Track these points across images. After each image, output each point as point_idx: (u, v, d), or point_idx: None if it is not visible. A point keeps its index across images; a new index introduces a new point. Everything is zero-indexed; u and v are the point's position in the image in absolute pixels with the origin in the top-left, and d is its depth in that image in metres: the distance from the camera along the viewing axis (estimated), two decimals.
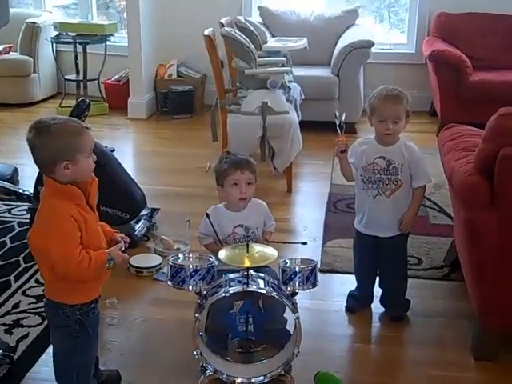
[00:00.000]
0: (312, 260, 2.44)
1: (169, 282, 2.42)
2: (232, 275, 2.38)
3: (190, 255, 2.49)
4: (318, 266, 2.47)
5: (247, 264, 2.32)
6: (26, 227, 3.50)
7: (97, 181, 2.20)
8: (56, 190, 2.04)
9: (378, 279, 2.89)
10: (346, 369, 2.61)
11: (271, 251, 2.41)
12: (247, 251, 2.35)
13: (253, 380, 2.39)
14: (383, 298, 2.90)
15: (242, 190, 2.51)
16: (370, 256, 2.81)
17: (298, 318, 2.32)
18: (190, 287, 2.36)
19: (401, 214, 2.71)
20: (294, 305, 2.37)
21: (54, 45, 6.18)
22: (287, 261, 2.44)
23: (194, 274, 2.35)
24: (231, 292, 2.32)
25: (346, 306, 2.94)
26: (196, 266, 2.36)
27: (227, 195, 2.56)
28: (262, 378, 2.39)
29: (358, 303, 2.93)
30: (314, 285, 2.41)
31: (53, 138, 1.98)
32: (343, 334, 2.82)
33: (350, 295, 2.95)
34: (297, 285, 2.38)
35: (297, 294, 2.40)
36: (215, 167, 2.60)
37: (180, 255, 2.47)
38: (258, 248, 2.44)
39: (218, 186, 2.58)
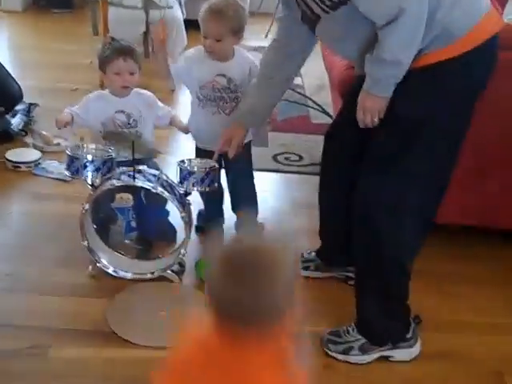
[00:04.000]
0: (212, 162, 2.40)
1: (65, 172, 2.39)
2: (124, 168, 2.38)
3: (91, 146, 2.43)
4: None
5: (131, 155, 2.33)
6: None
7: None
8: None
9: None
10: None
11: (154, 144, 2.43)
12: (132, 144, 2.34)
13: (140, 276, 2.43)
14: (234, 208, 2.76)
15: (125, 78, 2.45)
16: None
17: (183, 218, 2.33)
18: (84, 178, 2.34)
19: None
20: (184, 205, 2.39)
21: None
22: (185, 160, 2.43)
23: (88, 164, 2.33)
24: (117, 185, 2.32)
25: (195, 226, 2.72)
26: (91, 157, 2.34)
27: (110, 82, 2.49)
28: (149, 275, 2.42)
29: (206, 221, 2.78)
30: (211, 186, 2.40)
31: None
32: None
33: (199, 214, 2.82)
34: (191, 185, 2.38)
35: (190, 194, 2.41)
36: (98, 52, 2.51)
37: (80, 145, 2.42)
38: (142, 141, 2.44)
39: (101, 71, 2.51)
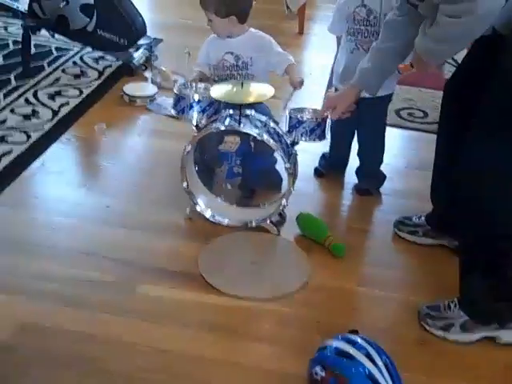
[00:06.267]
0: (326, 112, 2.28)
1: (172, 110, 2.37)
2: (231, 111, 2.29)
3: (201, 86, 2.38)
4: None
5: (240, 100, 2.24)
6: (19, 46, 3.37)
7: None
8: None
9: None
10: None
11: (267, 88, 2.30)
12: (241, 87, 2.26)
13: (237, 224, 2.36)
14: (358, 168, 2.69)
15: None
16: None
17: (288, 168, 2.24)
18: (190, 117, 2.30)
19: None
20: (290, 155, 2.28)
21: None
22: (297, 108, 2.32)
23: (194, 104, 2.28)
24: (221, 129, 2.24)
25: (315, 168, 2.72)
26: (198, 97, 2.28)
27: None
28: (247, 223, 2.35)
29: (328, 166, 2.72)
30: (320, 138, 2.30)
31: None
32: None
33: (323, 156, 2.74)
34: (299, 135, 2.27)
35: (297, 143, 2.31)
36: None
37: (189, 84, 2.37)
38: (253, 85, 2.33)
39: None
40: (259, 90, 2.31)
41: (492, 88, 1.76)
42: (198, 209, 2.37)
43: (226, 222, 2.36)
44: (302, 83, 2.40)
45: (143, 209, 2.44)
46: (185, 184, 2.34)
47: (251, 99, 2.28)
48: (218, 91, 2.27)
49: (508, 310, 1.95)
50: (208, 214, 2.37)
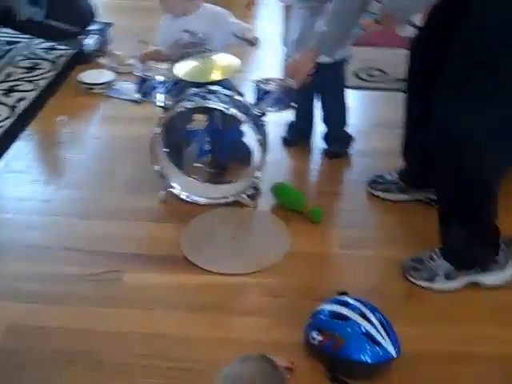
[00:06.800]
0: (289, 80, 2.27)
1: (135, 94, 2.34)
2: (196, 89, 2.27)
3: (163, 66, 2.37)
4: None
5: (207, 78, 2.23)
6: None
7: None
8: None
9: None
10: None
11: (233, 61, 2.29)
12: (206, 63, 2.24)
13: (214, 201, 2.36)
14: (325, 133, 2.71)
15: None
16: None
17: (258, 140, 2.23)
18: (155, 99, 2.27)
19: None
20: (259, 126, 2.27)
21: None
22: (262, 79, 2.30)
23: (158, 86, 2.26)
24: (188, 107, 2.22)
25: (283, 138, 2.75)
26: (162, 78, 2.26)
27: None
28: (223, 199, 2.35)
29: (296, 134, 2.75)
30: (288, 107, 2.31)
31: None
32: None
33: (289, 125, 2.75)
34: (267, 106, 2.27)
35: (265, 114, 2.30)
36: None
37: (151, 66, 2.38)
38: (217, 60, 2.31)
39: None
40: (225, 65, 2.29)
41: (461, 36, 1.75)
42: (173, 191, 2.35)
43: (201, 201, 2.35)
44: (257, 39, 2.42)
45: (116, 197, 2.42)
46: (156, 167, 2.32)
47: (219, 76, 2.26)
48: (183, 70, 2.25)
49: (487, 252, 2.00)
50: (183, 194, 2.35)
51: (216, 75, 2.26)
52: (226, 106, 2.20)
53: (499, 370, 1.76)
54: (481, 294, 1.99)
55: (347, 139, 2.69)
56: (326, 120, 2.66)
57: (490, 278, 2.00)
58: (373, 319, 1.68)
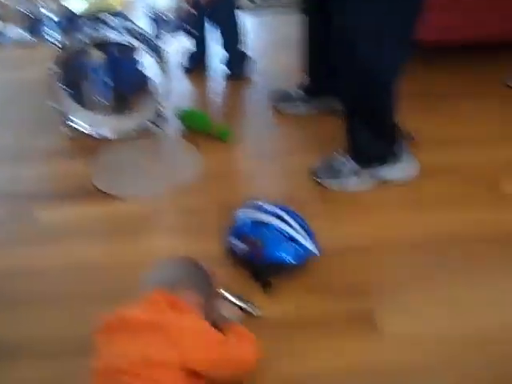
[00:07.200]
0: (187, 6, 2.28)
1: (28, 36, 2.27)
2: (91, 23, 2.21)
3: (53, 4, 2.25)
4: None
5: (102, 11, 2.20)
6: None
7: None
8: None
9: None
10: None
11: None
12: None
13: (121, 133, 2.33)
14: (225, 58, 2.74)
15: None
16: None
17: (160, 67, 2.22)
18: (50, 38, 2.21)
19: None
20: (158, 52, 2.26)
21: None
22: (158, 8, 2.27)
23: (53, 24, 2.21)
24: (85, 42, 2.17)
25: (183, 66, 2.78)
26: (54, 16, 2.20)
27: None
28: (130, 130, 2.33)
29: (195, 61, 2.78)
30: (188, 34, 2.38)
31: None
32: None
33: (188, 53, 2.78)
34: (166, 33, 2.28)
35: (165, 43, 2.31)
36: None
37: (41, 4, 2.24)
38: None
39: None
40: None
41: None
42: (77, 126, 2.31)
43: (109, 134, 2.33)
44: None
45: (21, 139, 2.37)
46: (55, 104, 2.26)
47: (113, 8, 2.21)
48: (79, 5, 2.19)
49: (388, 146, 2.08)
50: (88, 129, 2.32)
51: (110, 7, 2.21)
52: (124, 38, 2.16)
53: (409, 252, 1.84)
54: (389, 190, 2.07)
55: (246, 60, 2.72)
56: (224, 44, 2.69)
57: (393, 172, 2.09)
58: (290, 221, 1.73)
